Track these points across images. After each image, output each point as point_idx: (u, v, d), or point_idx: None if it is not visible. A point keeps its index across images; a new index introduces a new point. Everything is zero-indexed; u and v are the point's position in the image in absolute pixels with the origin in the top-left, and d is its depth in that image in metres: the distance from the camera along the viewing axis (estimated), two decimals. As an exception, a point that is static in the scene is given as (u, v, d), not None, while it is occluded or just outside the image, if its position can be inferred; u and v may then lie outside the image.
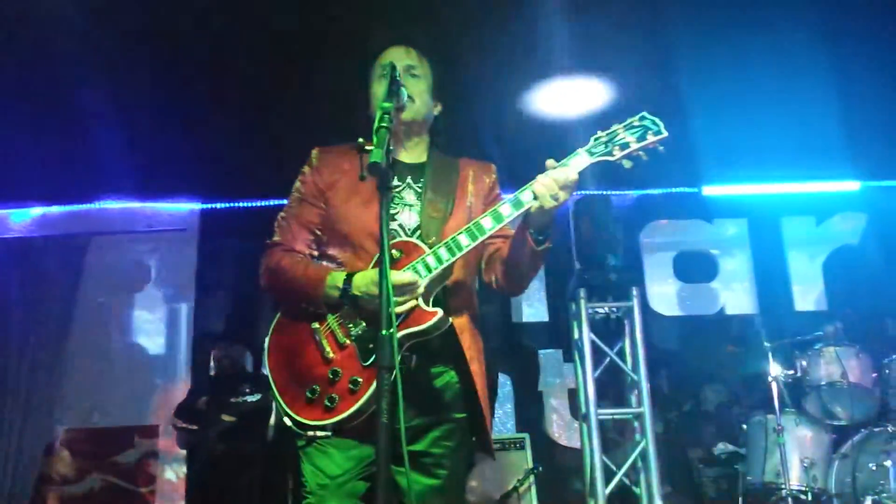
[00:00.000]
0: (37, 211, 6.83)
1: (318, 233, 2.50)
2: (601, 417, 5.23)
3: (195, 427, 5.80)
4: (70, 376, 6.45)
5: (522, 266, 2.43)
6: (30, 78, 5.04)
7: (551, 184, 2.25)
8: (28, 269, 6.58)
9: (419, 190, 2.49)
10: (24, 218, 6.84)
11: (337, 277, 2.32)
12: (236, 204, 6.84)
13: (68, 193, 6.68)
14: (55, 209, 6.82)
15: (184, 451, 6.11)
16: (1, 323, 6.43)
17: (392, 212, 2.42)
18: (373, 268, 2.31)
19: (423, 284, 2.27)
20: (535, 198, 2.26)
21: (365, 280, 2.28)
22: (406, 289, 2.23)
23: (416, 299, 2.26)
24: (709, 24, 4.76)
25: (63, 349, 6.48)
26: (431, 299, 2.31)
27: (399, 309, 2.20)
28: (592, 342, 5.40)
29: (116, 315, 6.73)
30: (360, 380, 2.25)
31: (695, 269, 6.92)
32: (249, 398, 5.72)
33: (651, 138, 2.34)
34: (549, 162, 2.29)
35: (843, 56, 5.09)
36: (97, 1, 4.30)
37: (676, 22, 4.67)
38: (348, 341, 2.31)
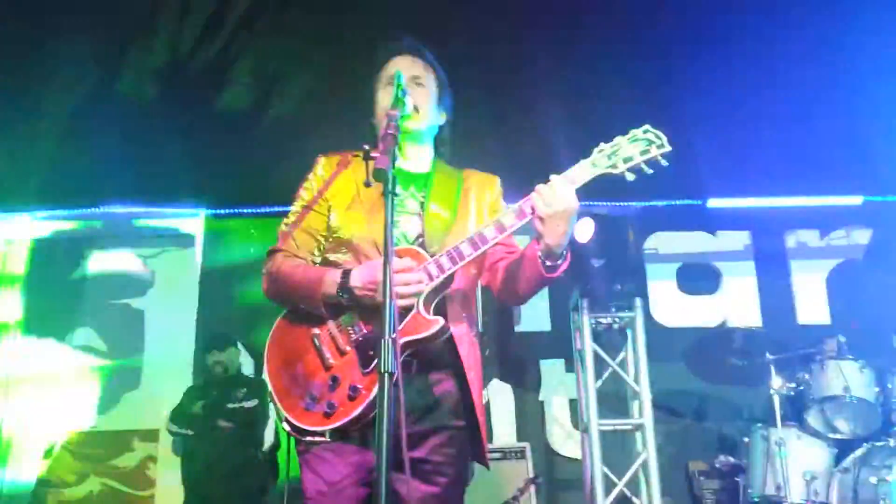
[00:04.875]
0: (41, 214, 6.84)
1: (321, 239, 2.51)
2: (602, 428, 5.22)
3: (190, 432, 5.78)
4: (71, 379, 6.45)
5: (527, 285, 2.43)
6: (34, 82, 5.07)
7: (548, 192, 2.26)
8: (32, 272, 6.59)
9: (422, 200, 2.49)
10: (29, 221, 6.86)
11: (335, 274, 2.33)
12: (241, 210, 6.85)
13: (73, 197, 6.70)
14: (60, 213, 6.84)
15: (183, 456, 6.10)
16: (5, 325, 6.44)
17: (395, 220, 2.41)
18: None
19: (425, 291, 2.27)
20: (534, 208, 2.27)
21: (369, 269, 2.27)
22: (407, 277, 2.23)
23: (417, 306, 2.26)
24: (711, 37, 4.78)
25: (65, 352, 6.48)
26: (432, 308, 2.32)
27: (401, 302, 2.20)
28: (594, 352, 5.40)
29: (119, 319, 6.74)
30: (359, 387, 2.25)
31: (698, 280, 6.91)
32: (246, 403, 5.69)
33: (654, 151, 2.34)
34: (553, 175, 2.31)
35: (849, 69, 5.10)
36: (105, 7, 4.33)
37: (678, 34, 4.69)
38: (349, 348, 2.32)
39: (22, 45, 4.74)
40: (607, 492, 5.08)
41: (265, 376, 2.41)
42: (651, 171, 2.36)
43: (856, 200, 6.92)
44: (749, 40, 4.89)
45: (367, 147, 2.12)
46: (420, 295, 2.27)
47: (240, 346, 6.19)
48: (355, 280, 2.29)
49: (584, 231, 5.26)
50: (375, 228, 2.36)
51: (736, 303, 6.82)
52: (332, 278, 2.32)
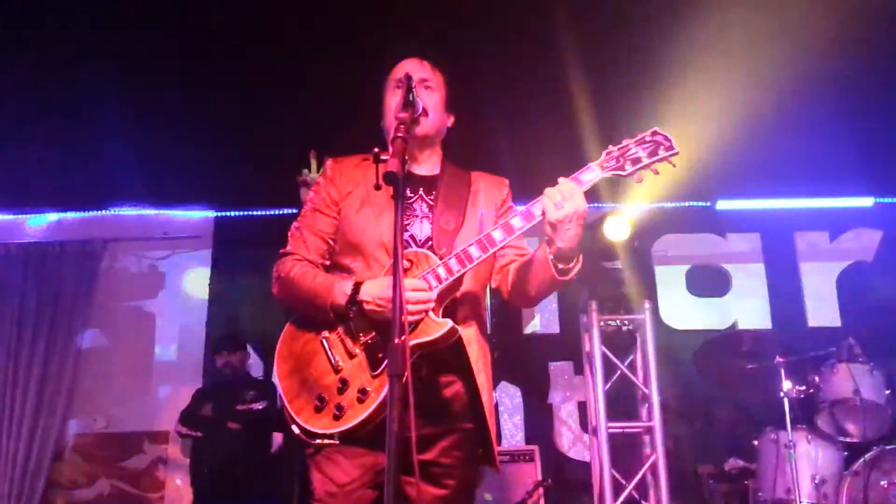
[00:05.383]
0: (53, 217, 6.89)
1: (331, 242, 2.52)
2: (611, 431, 5.21)
3: (199, 434, 5.79)
4: (81, 381, 6.49)
5: (538, 288, 2.42)
6: (47, 85, 5.10)
7: (555, 194, 2.26)
8: (43, 273, 6.63)
9: (431, 202, 2.50)
10: (40, 223, 6.90)
11: (345, 285, 2.33)
12: (250, 212, 6.87)
13: (84, 200, 6.74)
14: (71, 215, 6.88)
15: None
16: (15, 326, 6.48)
17: (404, 223, 2.42)
18: (384, 276, 2.32)
19: (434, 296, 2.27)
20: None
21: (380, 286, 2.28)
22: (418, 296, 2.23)
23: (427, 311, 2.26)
24: (717, 37, 4.77)
25: (75, 354, 6.52)
26: (441, 310, 2.32)
27: (410, 319, 2.20)
28: (603, 355, 5.39)
29: (129, 321, 6.78)
30: (368, 389, 2.26)
31: (707, 283, 6.89)
32: (255, 406, 5.70)
33: (662, 154, 2.34)
34: (561, 178, 2.31)
35: (858, 71, 5.09)
36: (114, 11, 4.36)
37: (687, 36, 4.68)
38: (358, 350, 2.32)
39: (30, 46, 4.78)
40: (616, 495, 5.07)
41: (275, 379, 2.42)
42: (659, 174, 2.36)
43: (866, 202, 6.90)
44: (756, 40, 4.88)
45: (377, 150, 2.12)
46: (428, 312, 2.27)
47: (249, 348, 6.21)
48: (365, 294, 2.29)
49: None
50: (385, 231, 2.37)
51: (745, 305, 6.80)
52: (341, 289, 2.32)
